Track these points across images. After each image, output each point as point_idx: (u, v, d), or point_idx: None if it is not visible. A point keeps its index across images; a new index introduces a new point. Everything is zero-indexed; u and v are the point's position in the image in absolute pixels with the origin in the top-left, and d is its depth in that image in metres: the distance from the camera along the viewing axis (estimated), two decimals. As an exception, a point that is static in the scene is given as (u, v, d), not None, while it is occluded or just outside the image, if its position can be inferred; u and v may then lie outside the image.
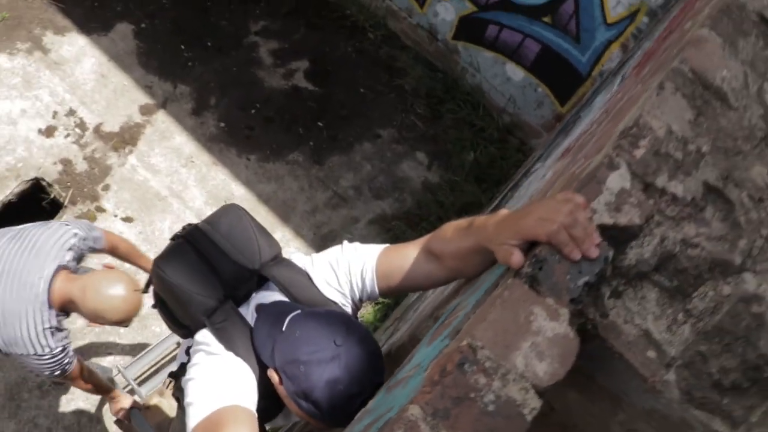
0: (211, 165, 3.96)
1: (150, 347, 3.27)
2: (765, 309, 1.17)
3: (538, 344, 1.00)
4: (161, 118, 4.02)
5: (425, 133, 4.30)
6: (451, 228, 1.45)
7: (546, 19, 3.82)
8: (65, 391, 3.40)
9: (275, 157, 4.07)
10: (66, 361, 2.34)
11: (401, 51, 4.49)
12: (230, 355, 1.51)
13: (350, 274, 1.61)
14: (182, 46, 4.22)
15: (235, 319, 1.59)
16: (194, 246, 1.67)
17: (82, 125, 3.90)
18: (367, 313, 3.70)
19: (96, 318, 2.26)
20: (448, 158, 4.22)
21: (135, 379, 3.19)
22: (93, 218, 3.68)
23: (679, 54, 1.36)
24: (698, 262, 1.21)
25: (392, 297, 1.64)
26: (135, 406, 3.07)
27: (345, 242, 1.68)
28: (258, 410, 1.43)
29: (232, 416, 1.33)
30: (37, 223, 2.37)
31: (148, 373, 3.24)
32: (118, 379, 3.15)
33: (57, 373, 2.34)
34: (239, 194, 3.86)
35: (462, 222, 1.44)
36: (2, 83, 3.87)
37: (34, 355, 2.23)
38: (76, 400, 3.40)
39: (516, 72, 4.11)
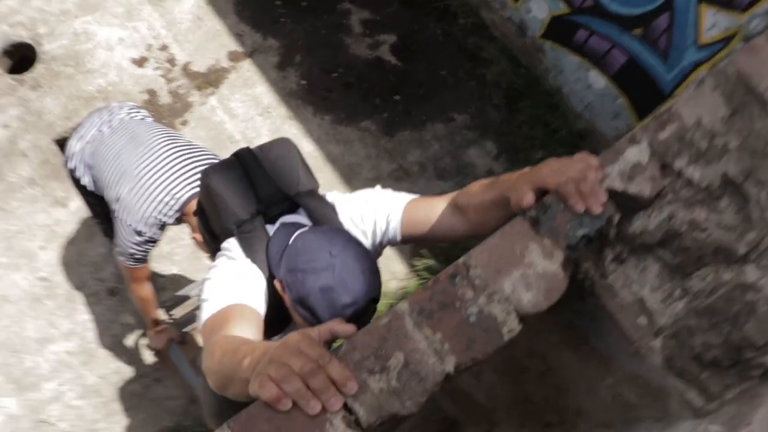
0: (286, 118, 4.17)
1: (195, 283, 3.49)
2: (759, 298, 1.26)
3: (527, 275, 1.12)
4: (246, 66, 4.25)
5: (498, 125, 4.40)
6: (477, 184, 1.59)
7: (637, 31, 3.85)
8: (118, 303, 3.68)
9: (348, 121, 4.25)
10: (143, 256, 2.63)
11: (488, 41, 4.59)
12: (248, 261, 1.67)
13: (376, 215, 1.74)
14: (277, 2, 4.45)
15: (260, 233, 1.74)
16: (242, 164, 1.84)
17: (171, 61, 4.17)
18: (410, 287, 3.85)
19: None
20: (516, 152, 4.31)
21: (176, 314, 3.42)
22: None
23: (729, 57, 1.45)
24: (703, 244, 1.30)
25: (413, 244, 1.78)
26: (173, 339, 3.31)
27: (378, 186, 1.83)
28: (265, 320, 1.58)
29: (239, 312, 1.47)
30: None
31: (190, 309, 3.45)
32: (160, 312, 3.38)
33: (130, 262, 2.63)
34: (308, 150, 4.05)
35: (488, 179, 1.58)
36: (107, 11, 4.18)
37: (136, 231, 2.51)
38: (125, 313, 3.67)
39: (598, 79, 4.16)
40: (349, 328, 1.05)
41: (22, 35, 4.07)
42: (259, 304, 1.59)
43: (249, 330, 1.43)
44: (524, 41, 4.43)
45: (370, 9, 4.57)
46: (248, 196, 1.80)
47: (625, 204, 1.26)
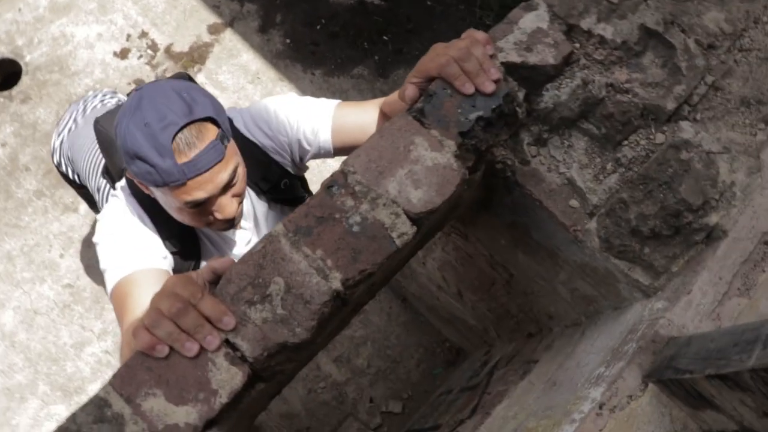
0: (276, 81, 4.11)
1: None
2: (693, 155, 1.14)
3: (415, 172, 1.03)
4: (228, 36, 4.20)
5: (496, 46, 4.23)
6: None
7: None
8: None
9: (340, 71, 4.16)
10: None
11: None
12: (133, 203, 1.58)
13: (299, 125, 1.62)
14: (250, -35, 4.36)
15: None
16: None
17: (153, 46, 4.15)
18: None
19: None
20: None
21: None
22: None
23: None
24: (628, 107, 1.19)
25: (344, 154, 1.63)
26: None
27: (292, 94, 1.72)
28: (182, 254, 1.53)
29: (138, 281, 1.40)
30: None
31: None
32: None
33: None
34: (302, 110, 3.99)
35: None
36: (80, 9, 4.17)
37: None
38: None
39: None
40: (226, 260, 0.99)
41: (2, 51, 4.11)
42: (155, 254, 1.52)
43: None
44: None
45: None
46: None
47: (529, 77, 1.15)
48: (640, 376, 1.01)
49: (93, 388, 3.63)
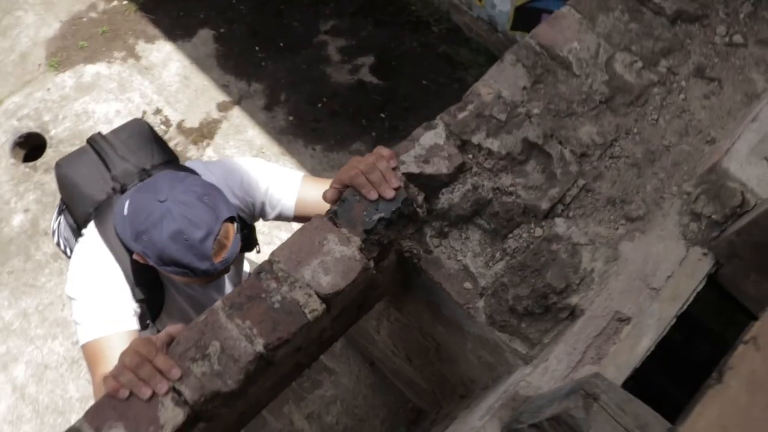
0: (279, 155, 4.47)
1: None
2: (560, 247, 1.42)
3: (326, 262, 1.32)
4: (236, 113, 4.59)
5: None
6: None
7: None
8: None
9: (339, 147, 4.51)
10: None
11: (464, 44, 4.78)
12: (105, 254, 1.73)
13: (268, 187, 1.83)
14: (256, 48, 4.77)
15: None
16: (94, 148, 1.88)
17: (166, 122, 4.55)
18: None
19: None
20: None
21: None
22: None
23: (530, 33, 1.62)
24: (511, 207, 1.47)
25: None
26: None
27: (259, 159, 1.92)
28: (149, 301, 1.75)
29: (106, 346, 1.64)
30: None
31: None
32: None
33: None
34: (301, 182, 4.33)
35: None
36: (102, 88, 4.60)
37: None
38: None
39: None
40: (178, 327, 1.29)
41: (30, 126, 4.53)
42: (125, 315, 1.72)
43: None
44: (497, 36, 4.60)
45: (345, 36, 4.85)
46: (104, 177, 1.83)
47: (428, 184, 1.45)
48: (499, 428, 1.26)
49: (97, 442, 3.90)
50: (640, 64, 1.60)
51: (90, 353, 1.68)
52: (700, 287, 1.42)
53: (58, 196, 4.29)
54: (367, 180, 1.38)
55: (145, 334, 1.86)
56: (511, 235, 1.48)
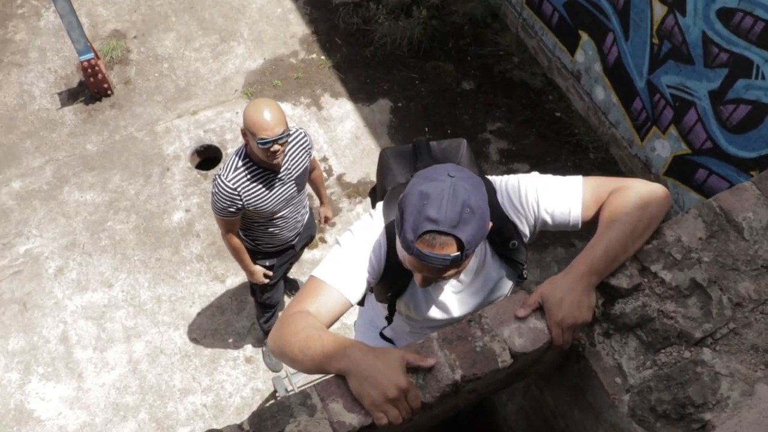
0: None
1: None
2: (704, 371, 1.82)
3: (521, 328, 1.77)
4: (391, 180, 5.15)
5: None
6: (613, 211, 1.90)
7: (753, 172, 4.33)
8: (252, 370, 4.50)
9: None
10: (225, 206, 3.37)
11: (615, 175, 5.22)
12: (378, 230, 1.99)
13: (554, 201, 2.02)
14: (426, 128, 5.36)
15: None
16: (414, 148, 2.30)
17: (329, 171, 5.15)
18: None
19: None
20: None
21: (298, 381, 3.91)
22: (314, 245, 4.83)
23: (714, 196, 2.05)
24: (669, 328, 1.88)
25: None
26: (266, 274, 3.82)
27: (536, 174, 2.10)
28: (380, 284, 2.04)
29: (323, 292, 1.88)
30: None
31: (310, 380, 3.85)
32: (285, 382, 3.91)
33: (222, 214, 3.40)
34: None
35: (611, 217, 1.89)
36: (282, 124, 5.28)
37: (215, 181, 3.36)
38: (257, 380, 4.47)
39: (719, 219, 4.63)
40: (430, 361, 1.67)
41: (212, 139, 5.23)
42: (355, 288, 1.94)
43: (325, 312, 1.86)
44: (650, 177, 5.01)
45: (507, 139, 5.38)
46: (410, 168, 2.20)
47: (609, 292, 1.88)
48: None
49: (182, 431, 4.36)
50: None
51: (310, 284, 1.94)
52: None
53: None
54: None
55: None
56: (663, 351, 1.88)
